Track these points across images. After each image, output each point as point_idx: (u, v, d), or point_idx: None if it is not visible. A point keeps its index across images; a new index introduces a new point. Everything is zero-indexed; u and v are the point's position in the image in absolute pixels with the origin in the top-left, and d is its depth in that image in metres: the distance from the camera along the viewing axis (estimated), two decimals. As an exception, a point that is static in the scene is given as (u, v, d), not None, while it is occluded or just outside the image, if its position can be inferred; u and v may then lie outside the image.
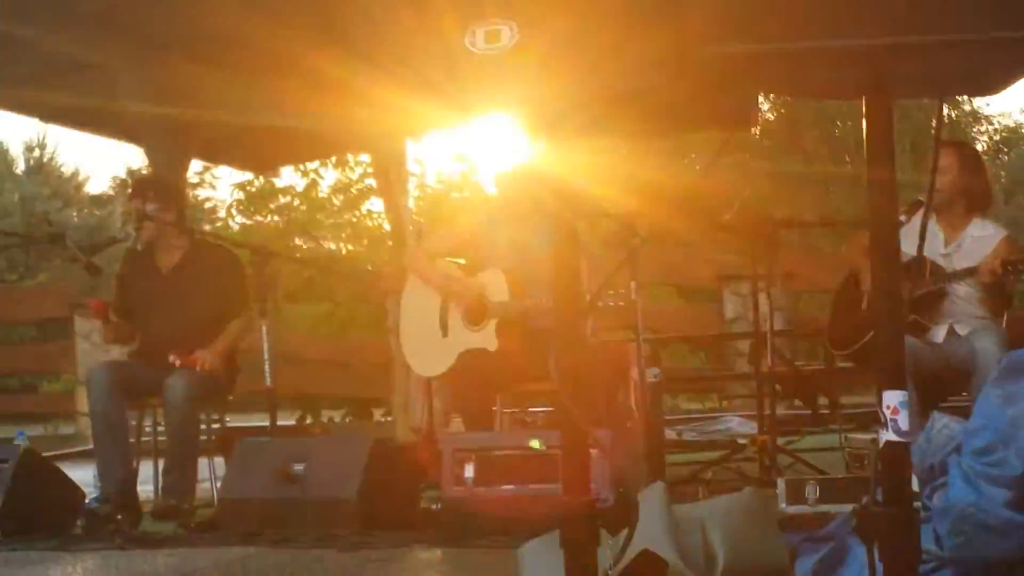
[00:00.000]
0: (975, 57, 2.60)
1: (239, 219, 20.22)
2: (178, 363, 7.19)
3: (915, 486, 3.67)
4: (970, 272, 6.73)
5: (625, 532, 3.00)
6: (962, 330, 6.84)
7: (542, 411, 10.21)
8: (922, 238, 3.07)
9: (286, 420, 12.37)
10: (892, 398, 2.74)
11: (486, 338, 7.13)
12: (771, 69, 2.70)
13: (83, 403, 15.82)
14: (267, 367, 7.31)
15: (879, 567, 2.84)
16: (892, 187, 2.75)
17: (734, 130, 2.87)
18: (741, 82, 2.81)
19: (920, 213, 6.53)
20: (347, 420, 16.53)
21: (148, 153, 10.19)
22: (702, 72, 2.65)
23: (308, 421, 16.08)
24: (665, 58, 2.71)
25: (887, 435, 2.75)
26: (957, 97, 21.87)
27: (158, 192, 7.67)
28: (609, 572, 3.25)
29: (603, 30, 2.75)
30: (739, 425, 11.67)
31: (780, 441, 7.65)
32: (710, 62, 2.63)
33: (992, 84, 2.81)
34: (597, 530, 3.03)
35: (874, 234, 2.76)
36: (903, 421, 2.74)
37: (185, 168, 10.50)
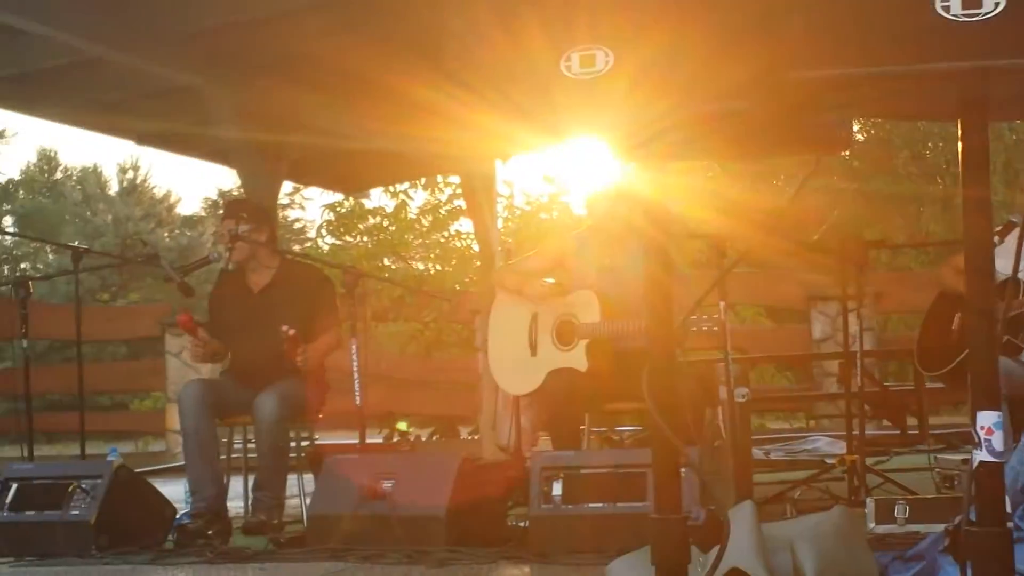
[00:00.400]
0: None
1: (328, 239, 20.41)
2: (291, 332, 7.18)
3: (1007, 507, 3.65)
4: None
5: (716, 550, 3.01)
6: (1054, 352, 6.78)
7: (629, 430, 10.23)
8: (1018, 257, 3.04)
9: (373, 438, 12.43)
10: (986, 419, 2.73)
11: (576, 358, 7.12)
12: (865, 92, 2.71)
13: (173, 420, 16.04)
14: (356, 385, 7.35)
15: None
16: (987, 207, 2.75)
17: (828, 153, 2.86)
18: (835, 105, 2.82)
19: (1014, 233, 6.49)
20: (434, 438, 16.59)
21: (240, 174, 10.26)
22: (795, 95, 2.66)
23: (395, 439, 16.16)
24: (758, 81, 2.72)
25: (981, 455, 2.74)
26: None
27: (250, 213, 7.75)
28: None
29: (696, 53, 2.76)
30: (826, 445, 11.61)
31: (869, 461, 7.61)
32: (803, 85, 2.64)
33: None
34: (688, 548, 3.04)
35: (969, 253, 2.76)
36: (997, 441, 2.74)
37: (277, 189, 10.57)
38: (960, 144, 2.74)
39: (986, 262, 2.77)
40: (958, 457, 7.45)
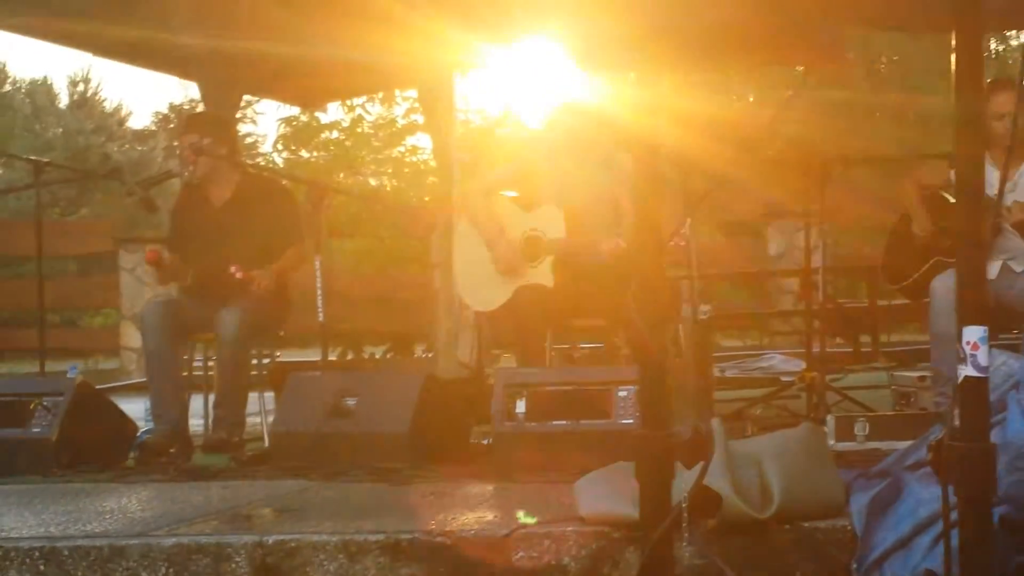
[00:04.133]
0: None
1: (283, 154, 20.30)
2: (239, 275, 7.15)
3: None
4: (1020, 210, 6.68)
5: (699, 466, 3.01)
6: (1017, 267, 6.81)
7: (589, 347, 10.24)
8: (1003, 179, 3.05)
9: (330, 357, 12.39)
10: (972, 333, 2.73)
11: (542, 274, 7.13)
12: (862, 3, 2.69)
13: (127, 338, 15.96)
14: (319, 302, 7.32)
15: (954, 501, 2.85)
16: (979, 121, 2.74)
17: (820, 65, 2.83)
18: (831, 16, 2.80)
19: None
20: (388, 356, 16.58)
21: (200, 87, 10.16)
22: (792, 6, 2.64)
23: (349, 356, 16.15)
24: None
25: (966, 370, 2.74)
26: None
27: (211, 127, 7.68)
28: (684, 506, 3.26)
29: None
30: (781, 362, 11.64)
31: (826, 379, 7.64)
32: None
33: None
34: (673, 464, 3.05)
35: (959, 169, 2.75)
36: (983, 356, 2.74)
37: (236, 102, 10.49)
38: (953, 56, 2.72)
39: (977, 179, 2.76)
40: (914, 374, 7.50)
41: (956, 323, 2.76)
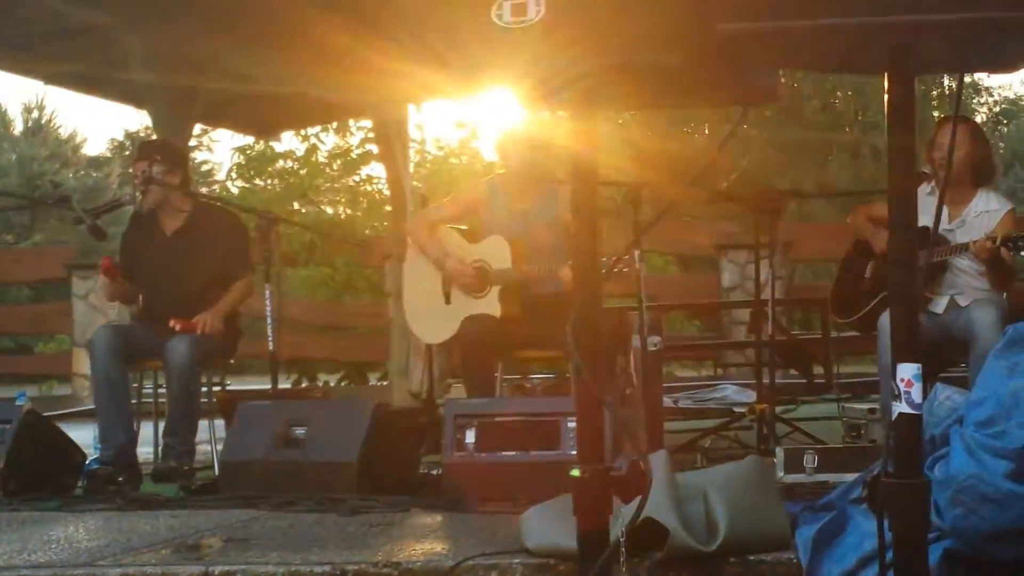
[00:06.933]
0: (997, 35, 2.60)
1: (238, 183, 20.27)
2: (178, 328, 7.21)
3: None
4: (965, 248, 6.74)
5: (637, 500, 3.01)
6: (963, 301, 6.86)
7: (541, 378, 10.27)
8: (939, 210, 3.08)
9: (283, 384, 12.39)
10: (906, 371, 2.75)
11: (489, 304, 7.17)
12: (791, 45, 2.71)
13: (79, 364, 15.87)
14: (270, 331, 7.33)
15: (889, 537, 2.86)
16: (912, 160, 2.76)
17: (756, 104, 2.85)
18: (760, 58, 2.82)
19: (924, 185, 6.56)
20: (343, 384, 16.58)
21: (152, 116, 10.14)
22: (721, 48, 2.66)
23: (304, 385, 16.14)
24: (683, 33, 2.72)
25: (900, 407, 2.76)
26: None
27: (164, 155, 7.66)
28: (622, 541, 3.27)
29: (628, 3, 2.75)
30: (735, 393, 11.68)
31: (777, 410, 7.67)
32: (732, 37, 2.64)
33: (1012, 61, 2.82)
34: (610, 498, 3.05)
35: (892, 205, 2.77)
36: (916, 393, 2.75)
37: (189, 131, 10.47)
38: (886, 97, 2.75)
39: (909, 214, 2.77)
40: (864, 407, 7.54)
41: (888, 358, 2.79)
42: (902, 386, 2.75)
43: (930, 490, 2.82)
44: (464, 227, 7.64)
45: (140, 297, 7.75)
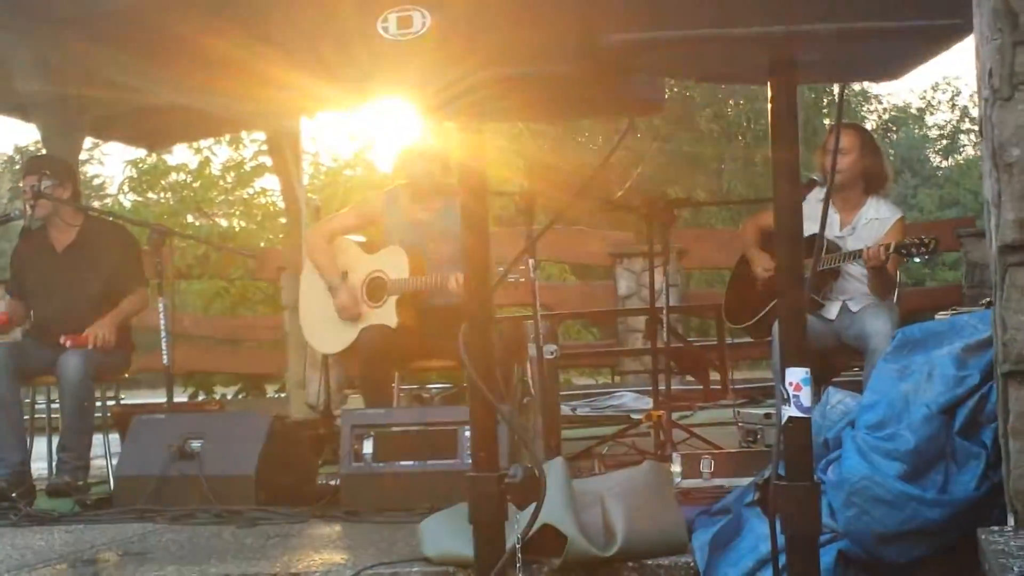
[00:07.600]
0: (878, 44, 2.65)
1: (131, 196, 20.03)
2: (68, 344, 7.16)
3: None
4: (858, 255, 6.82)
5: (532, 507, 3.03)
6: (854, 306, 6.95)
7: (438, 388, 10.27)
8: (824, 217, 3.11)
9: (179, 398, 12.28)
10: (795, 375, 2.79)
11: (386, 314, 7.18)
12: (675, 55, 2.74)
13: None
14: (164, 344, 7.29)
15: (780, 539, 2.90)
16: (796, 169, 2.80)
17: (640, 115, 2.87)
18: (645, 68, 2.85)
19: (814, 192, 6.63)
20: (240, 397, 16.47)
21: (41, 130, 10.02)
22: (607, 58, 2.69)
23: (200, 398, 16.01)
24: (569, 45, 2.74)
25: (790, 411, 2.79)
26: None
27: (53, 170, 7.60)
28: (517, 547, 3.28)
29: (510, 15, 2.77)
30: (632, 400, 11.75)
31: (674, 416, 7.71)
32: (615, 48, 2.67)
33: (894, 70, 2.86)
34: (505, 505, 3.07)
35: (778, 215, 2.81)
36: (805, 397, 2.79)
37: (78, 145, 10.33)
38: (770, 107, 2.79)
39: (795, 224, 2.82)
40: (760, 411, 7.60)
41: (777, 364, 2.83)
42: (791, 390, 2.79)
43: (821, 492, 2.87)
44: (363, 238, 7.65)
45: (31, 312, 7.68)
